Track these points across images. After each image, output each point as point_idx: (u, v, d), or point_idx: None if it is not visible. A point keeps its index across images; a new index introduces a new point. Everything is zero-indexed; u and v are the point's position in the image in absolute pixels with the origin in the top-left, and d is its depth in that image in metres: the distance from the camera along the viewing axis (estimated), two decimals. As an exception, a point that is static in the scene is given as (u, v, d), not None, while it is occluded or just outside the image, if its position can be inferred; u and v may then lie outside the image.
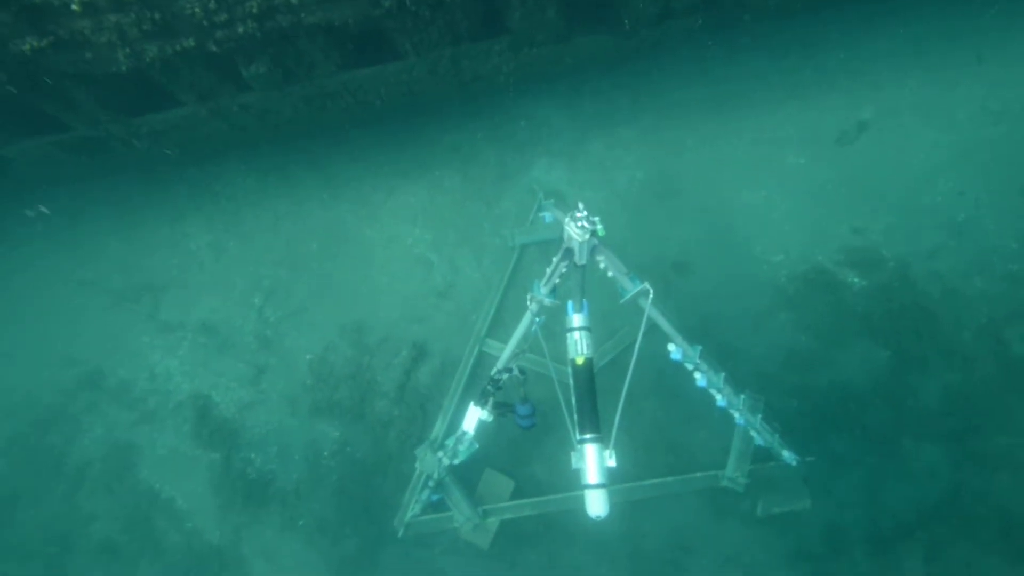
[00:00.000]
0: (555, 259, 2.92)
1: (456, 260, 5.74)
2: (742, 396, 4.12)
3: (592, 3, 4.93)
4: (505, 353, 3.48)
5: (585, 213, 2.71)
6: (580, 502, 3.26)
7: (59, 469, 5.77)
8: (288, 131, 5.46)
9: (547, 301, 3.11)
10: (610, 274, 2.99)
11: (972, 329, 5.39)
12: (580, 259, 2.81)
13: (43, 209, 5.45)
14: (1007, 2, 5.87)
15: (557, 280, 3.01)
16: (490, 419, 3.58)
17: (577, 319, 3.35)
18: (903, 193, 5.77)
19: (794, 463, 4.69)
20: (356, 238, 5.88)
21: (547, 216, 4.84)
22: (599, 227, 2.71)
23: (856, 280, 5.55)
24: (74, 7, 3.31)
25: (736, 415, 4.21)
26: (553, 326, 4.40)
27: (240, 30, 3.60)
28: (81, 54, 3.61)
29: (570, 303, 3.40)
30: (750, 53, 5.91)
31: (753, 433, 4.50)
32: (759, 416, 4.36)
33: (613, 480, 3.26)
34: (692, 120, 5.96)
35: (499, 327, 5.40)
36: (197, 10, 3.44)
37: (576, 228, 2.67)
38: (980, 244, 5.57)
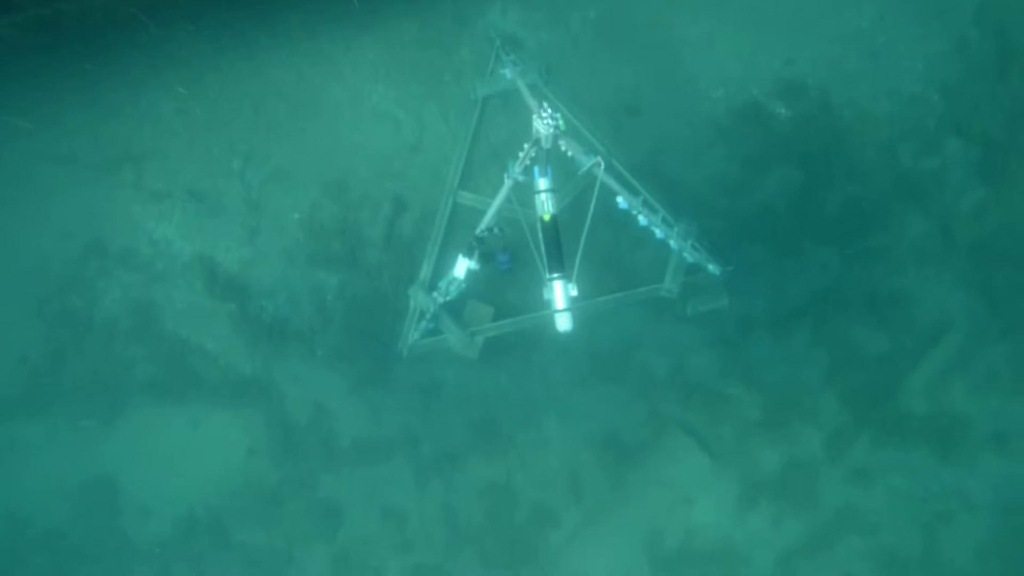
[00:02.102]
0: (526, 146, 3.55)
1: (422, 115, 6.10)
2: (675, 228, 5.06)
3: None
4: (487, 216, 4.23)
5: (549, 111, 3.30)
6: (549, 319, 4.30)
7: (90, 326, 6.51)
8: (235, -12, 5.34)
9: (520, 178, 3.80)
10: (569, 153, 3.66)
11: (874, 147, 6.28)
12: (546, 145, 3.46)
13: None
14: None
15: (528, 162, 3.67)
16: (476, 267, 4.47)
17: (543, 183, 4.07)
18: (831, 20, 6.22)
19: (717, 273, 5.85)
20: (322, 98, 6.08)
21: (507, 72, 5.20)
22: (561, 123, 3.32)
23: (783, 111, 6.23)
24: None
25: (671, 243, 5.20)
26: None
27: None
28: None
29: (536, 169, 4.09)
30: None
31: (685, 254, 5.56)
32: (690, 241, 5.37)
33: (575, 301, 4.31)
34: (643, -46, 6.00)
35: (469, 178, 6.01)
36: None
37: (542, 125, 3.29)
38: (893, 67, 6.21)
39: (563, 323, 4.20)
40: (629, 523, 6.23)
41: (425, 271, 5.88)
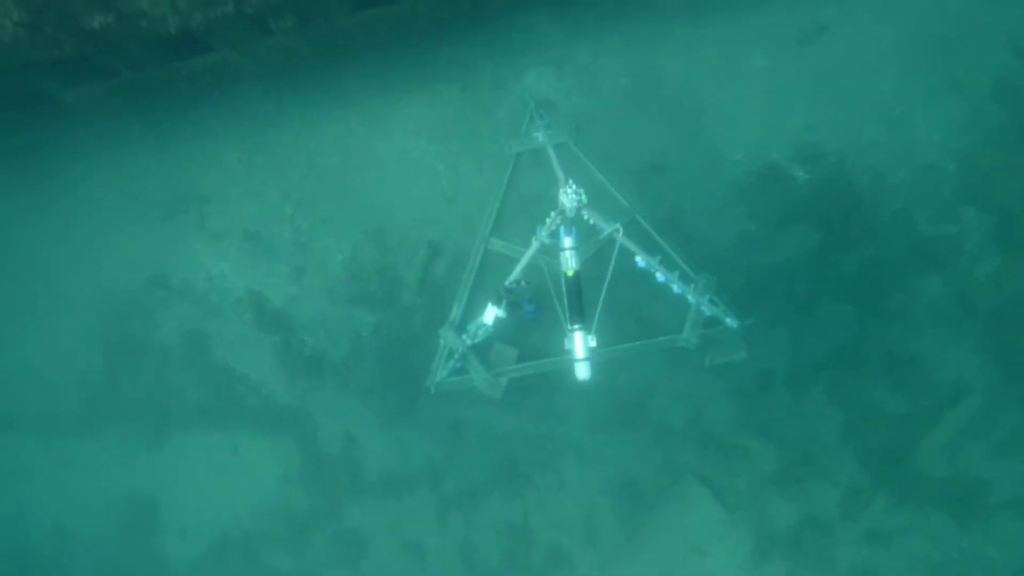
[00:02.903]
0: (552, 214, 3.94)
1: (460, 168, 6.59)
2: (692, 285, 5.36)
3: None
4: (515, 270, 4.62)
5: (574, 187, 3.71)
6: (570, 365, 4.60)
7: (145, 353, 7.05)
8: (300, 55, 5.97)
9: (547, 241, 4.19)
10: (591, 221, 4.04)
11: (890, 212, 6.49)
12: (570, 214, 3.85)
13: None
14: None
15: (554, 228, 4.06)
16: (504, 315, 4.84)
17: (567, 242, 4.45)
18: (850, 90, 6.52)
19: (735, 326, 6.08)
20: (370, 151, 6.64)
21: (540, 136, 5.66)
22: (583, 197, 3.72)
23: (801, 174, 6.52)
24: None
25: (689, 297, 5.49)
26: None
27: (271, -1, 4.15)
28: (138, 23, 4.17)
29: (562, 229, 4.47)
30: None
31: (703, 308, 5.82)
32: (707, 296, 5.65)
33: (594, 351, 4.60)
34: (671, 26, 6.46)
35: (501, 227, 6.43)
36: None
37: (567, 199, 3.69)
38: (908, 137, 6.46)
39: (582, 372, 4.50)
40: (643, 570, 6.33)
41: (455, 313, 6.27)
